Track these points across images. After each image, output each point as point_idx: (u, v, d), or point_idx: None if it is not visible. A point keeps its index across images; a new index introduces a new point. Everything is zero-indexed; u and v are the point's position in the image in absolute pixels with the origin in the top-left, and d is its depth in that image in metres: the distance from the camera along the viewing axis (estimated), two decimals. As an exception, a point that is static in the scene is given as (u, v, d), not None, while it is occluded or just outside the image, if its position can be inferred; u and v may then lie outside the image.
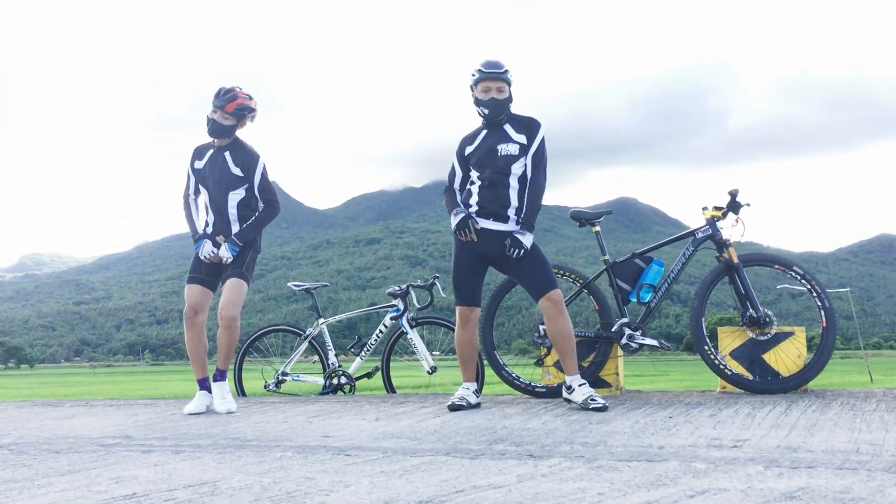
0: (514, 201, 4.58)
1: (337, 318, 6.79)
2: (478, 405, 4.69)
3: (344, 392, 6.41)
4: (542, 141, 4.64)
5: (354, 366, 6.48)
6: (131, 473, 2.67)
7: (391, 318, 6.36)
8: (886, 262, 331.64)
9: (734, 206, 5.03)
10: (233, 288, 4.94)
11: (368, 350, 6.49)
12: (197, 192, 5.18)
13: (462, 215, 4.61)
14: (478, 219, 4.60)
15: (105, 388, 20.01)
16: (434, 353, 6.28)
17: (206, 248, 4.99)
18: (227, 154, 5.03)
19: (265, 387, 6.61)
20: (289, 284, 7.09)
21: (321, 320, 6.55)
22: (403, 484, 2.33)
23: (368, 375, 6.54)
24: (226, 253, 4.93)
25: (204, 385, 5.05)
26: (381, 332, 6.44)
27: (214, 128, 5.01)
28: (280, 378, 6.54)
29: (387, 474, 2.49)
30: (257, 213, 5.07)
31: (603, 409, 4.20)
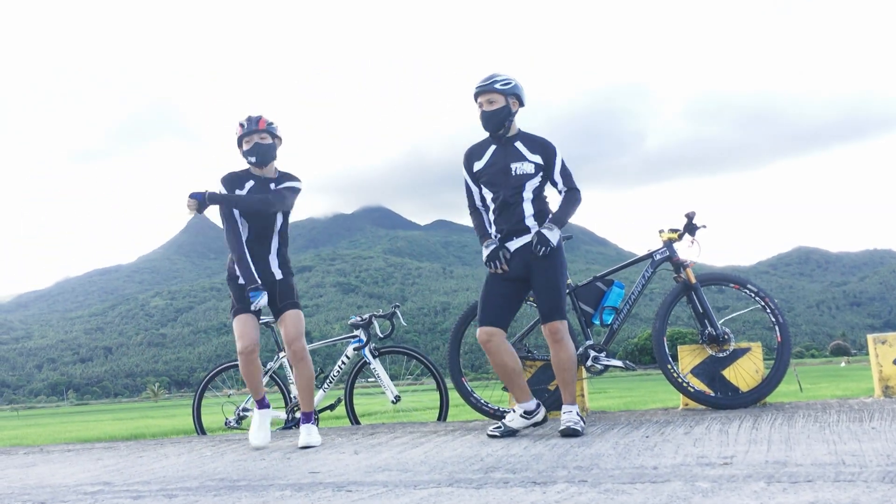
0: (531, 210, 4.46)
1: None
2: (535, 425, 4.48)
3: (308, 425, 6.34)
4: (563, 160, 4.53)
5: (317, 398, 6.43)
6: (134, 522, 2.62)
7: (353, 349, 6.35)
8: (804, 274, 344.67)
9: (690, 228, 5.22)
10: (295, 319, 4.83)
11: (331, 382, 6.46)
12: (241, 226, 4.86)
13: (493, 247, 4.45)
14: (502, 242, 4.49)
15: (35, 432, 19.28)
16: (397, 382, 6.29)
17: (263, 301, 4.74)
18: (272, 186, 4.87)
19: (226, 423, 6.50)
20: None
21: (282, 354, 6.49)
22: (421, 518, 2.35)
23: (331, 407, 6.50)
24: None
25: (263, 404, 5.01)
26: (343, 363, 6.42)
27: (261, 151, 4.79)
28: (241, 414, 6.46)
29: (400, 509, 2.51)
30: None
31: (570, 434, 4.15)
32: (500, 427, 4.43)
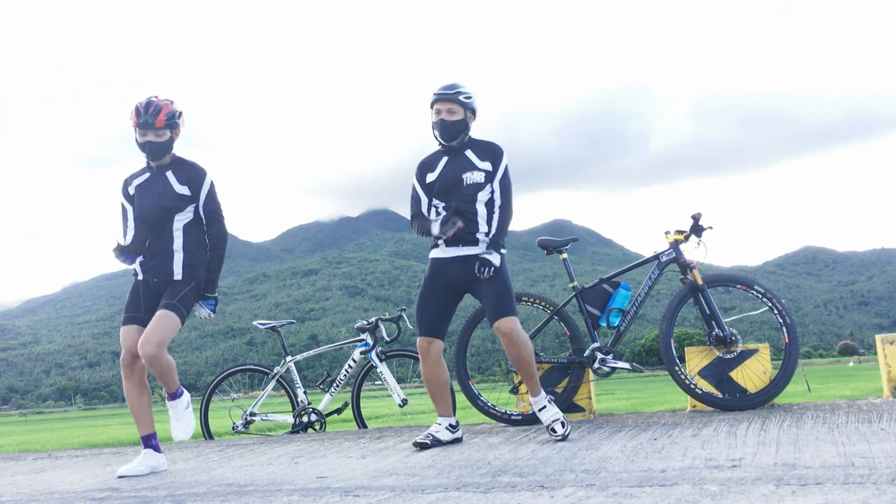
0: (484, 226, 4.44)
1: (304, 355, 6.75)
2: (455, 441, 4.47)
3: (315, 429, 6.36)
4: (507, 167, 4.52)
5: (324, 402, 6.44)
6: (142, 528, 2.62)
7: (360, 353, 6.35)
8: (812, 273, 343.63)
9: (696, 229, 5.21)
10: (156, 321, 4.22)
11: (338, 385, 6.47)
12: (134, 223, 4.46)
13: (443, 215, 4.44)
14: (447, 247, 4.47)
15: (43, 437, 19.31)
16: (404, 385, 6.29)
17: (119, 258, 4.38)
18: (168, 173, 4.38)
19: (233, 428, 6.51)
20: (254, 323, 7.03)
21: (288, 358, 6.50)
22: (429, 523, 2.34)
23: (338, 411, 6.51)
24: (203, 311, 4.44)
25: (149, 443, 4.33)
26: (349, 366, 6.42)
27: (154, 149, 4.31)
28: (248, 419, 6.47)
29: (407, 514, 2.50)
30: (210, 252, 4.43)
31: (562, 439, 4.15)
32: (429, 436, 4.39)
